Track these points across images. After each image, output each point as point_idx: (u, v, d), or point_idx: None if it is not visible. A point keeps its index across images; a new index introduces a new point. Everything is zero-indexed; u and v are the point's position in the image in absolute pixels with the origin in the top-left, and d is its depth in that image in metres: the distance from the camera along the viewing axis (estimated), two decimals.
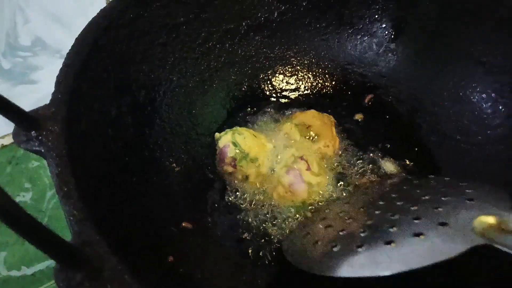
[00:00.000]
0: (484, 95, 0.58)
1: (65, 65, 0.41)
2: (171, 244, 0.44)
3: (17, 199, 0.67)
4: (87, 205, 0.32)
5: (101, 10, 0.48)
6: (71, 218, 0.30)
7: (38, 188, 0.68)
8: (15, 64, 0.73)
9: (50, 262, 0.59)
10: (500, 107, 0.56)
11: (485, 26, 0.56)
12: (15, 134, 0.35)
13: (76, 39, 0.44)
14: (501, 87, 0.57)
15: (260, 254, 0.50)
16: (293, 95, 0.68)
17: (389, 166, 0.59)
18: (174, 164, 0.54)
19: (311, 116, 0.60)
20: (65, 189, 0.31)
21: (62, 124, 0.36)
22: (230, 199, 0.55)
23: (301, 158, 0.55)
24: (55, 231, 0.24)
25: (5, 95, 0.77)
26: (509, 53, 0.55)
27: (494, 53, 0.56)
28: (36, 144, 0.34)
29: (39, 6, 0.72)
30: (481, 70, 0.58)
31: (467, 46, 0.59)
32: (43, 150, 0.34)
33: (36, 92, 0.76)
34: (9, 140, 0.76)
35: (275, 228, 0.52)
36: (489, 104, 0.58)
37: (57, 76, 0.40)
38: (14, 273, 0.59)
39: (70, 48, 0.43)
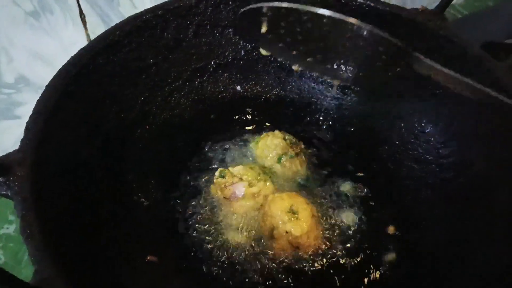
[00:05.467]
0: (437, 126, 0.62)
1: (35, 111, 0.44)
2: (134, 278, 0.46)
3: (1, 231, 0.69)
4: (49, 245, 0.35)
5: (71, 57, 0.51)
6: (33, 258, 0.33)
7: None
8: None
9: None
10: (451, 138, 0.60)
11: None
12: None
13: (46, 86, 0.47)
14: (453, 116, 0.60)
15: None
16: (261, 125, 0.70)
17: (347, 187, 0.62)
18: (143, 199, 0.56)
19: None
20: (28, 231, 0.35)
21: (30, 169, 0.39)
22: (197, 231, 0.57)
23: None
24: None
25: None
26: None
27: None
28: (4, 188, 0.37)
29: (23, 46, 0.74)
30: (434, 101, 0.62)
31: (421, 79, 0.63)
32: (9, 194, 0.37)
33: (20, 126, 0.78)
34: None
35: (242, 256, 0.54)
36: (441, 134, 0.61)
37: (26, 123, 0.43)
38: None
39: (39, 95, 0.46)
